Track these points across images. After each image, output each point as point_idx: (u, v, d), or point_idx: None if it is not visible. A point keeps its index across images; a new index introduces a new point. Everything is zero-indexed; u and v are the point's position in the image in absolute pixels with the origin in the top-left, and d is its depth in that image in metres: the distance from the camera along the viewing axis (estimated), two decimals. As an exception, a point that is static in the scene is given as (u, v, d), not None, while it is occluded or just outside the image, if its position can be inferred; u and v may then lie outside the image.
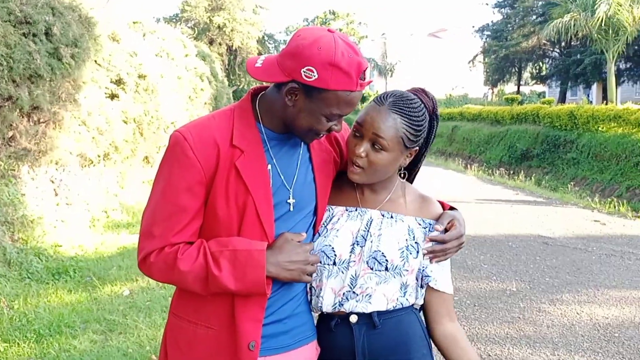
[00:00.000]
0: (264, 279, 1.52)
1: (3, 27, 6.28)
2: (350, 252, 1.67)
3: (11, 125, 6.64)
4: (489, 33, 42.58)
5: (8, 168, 6.78)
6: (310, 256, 1.59)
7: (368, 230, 1.68)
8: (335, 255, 1.67)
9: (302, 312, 1.71)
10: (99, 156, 9.33)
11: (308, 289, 1.74)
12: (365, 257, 1.66)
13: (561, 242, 7.71)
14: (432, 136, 1.76)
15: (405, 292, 1.68)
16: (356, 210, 1.73)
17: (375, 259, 1.65)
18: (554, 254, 7.04)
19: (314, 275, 1.67)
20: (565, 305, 5.18)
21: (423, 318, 1.76)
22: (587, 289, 5.63)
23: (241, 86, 36.58)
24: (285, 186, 1.62)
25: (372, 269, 1.65)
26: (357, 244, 1.68)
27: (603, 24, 19.37)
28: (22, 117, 6.88)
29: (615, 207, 10.93)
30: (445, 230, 1.70)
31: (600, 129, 17.52)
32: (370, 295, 1.65)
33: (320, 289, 1.69)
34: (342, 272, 1.67)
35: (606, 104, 19.98)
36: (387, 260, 1.64)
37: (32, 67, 6.67)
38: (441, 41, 66.66)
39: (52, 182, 7.97)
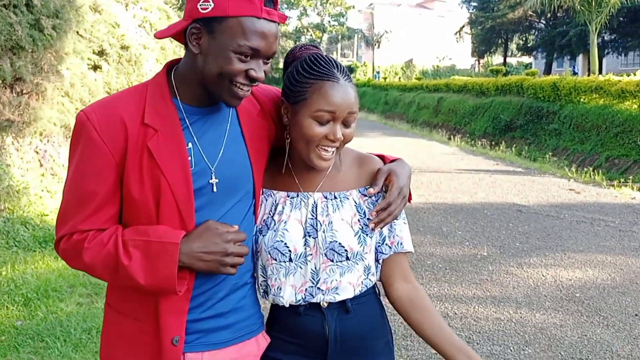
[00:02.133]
0: (175, 275, 1.39)
1: (-17, -1, 6.31)
2: (305, 245, 1.55)
3: (-6, 96, 6.70)
4: (475, 4, 42.53)
5: (-8, 139, 6.86)
6: (231, 246, 1.42)
7: (315, 218, 1.56)
8: (289, 251, 1.55)
9: (247, 305, 1.58)
10: (82, 127, 9.41)
11: (259, 284, 1.63)
12: (322, 249, 1.54)
13: (535, 209, 7.96)
14: None
15: (369, 272, 1.60)
16: (298, 195, 1.59)
17: (334, 250, 1.54)
18: (526, 221, 7.29)
19: (270, 271, 1.57)
20: (532, 268, 5.42)
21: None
22: (555, 253, 5.88)
23: (227, 57, 36.37)
24: (208, 166, 1.46)
25: (332, 260, 1.55)
26: (309, 235, 1.55)
27: (586, -4, 19.48)
28: (5, 88, 6.94)
29: (591, 176, 11.19)
30: (386, 189, 1.58)
31: (582, 100, 17.72)
32: (336, 288, 1.56)
33: (280, 288, 1.57)
34: (301, 267, 1.55)
35: (589, 75, 20.17)
36: (346, 250, 1.54)
37: (13, 39, 6.69)
38: (429, 12, 66.33)
39: (37, 152, 8.06)
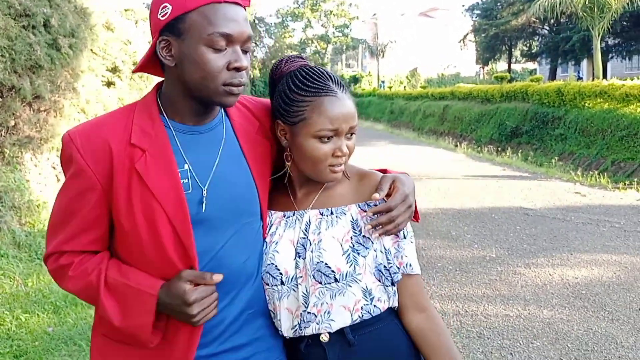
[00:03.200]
0: (148, 325, 1.32)
1: (4, 20, 6.57)
2: (295, 266, 1.45)
3: (14, 114, 6.94)
4: (478, 12, 42.74)
5: (13, 155, 7.10)
6: (195, 308, 1.30)
7: (306, 237, 1.45)
8: (280, 273, 1.45)
9: (265, 336, 1.49)
10: (98, 142, 9.66)
11: (271, 310, 1.51)
12: (309, 271, 1.43)
13: (541, 212, 8.13)
14: None
15: (372, 297, 1.45)
16: (294, 214, 1.50)
17: (320, 272, 1.42)
18: (533, 223, 7.46)
19: (268, 297, 1.48)
20: (540, 268, 5.60)
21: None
22: (562, 253, 6.05)
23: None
24: (201, 188, 1.37)
25: (320, 282, 1.42)
26: (299, 256, 1.45)
27: (587, 2, 19.66)
28: (25, 106, 7.18)
29: (596, 179, 11.34)
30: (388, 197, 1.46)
31: (586, 104, 17.88)
32: (329, 312, 1.43)
33: (277, 312, 1.48)
34: (294, 291, 1.45)
35: (593, 80, 20.33)
36: (333, 271, 1.41)
37: (32, 58, 6.95)
38: (432, 20, 66.68)
39: (54, 168, 8.29)
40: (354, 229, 1.45)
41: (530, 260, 5.85)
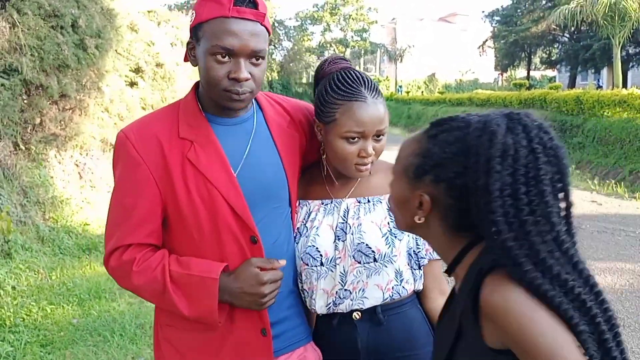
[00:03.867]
0: (215, 308, 1.44)
1: (34, 21, 6.77)
2: (335, 248, 1.59)
3: (40, 111, 7.12)
4: (498, 18, 42.65)
5: (38, 152, 7.28)
6: (268, 288, 1.46)
7: (346, 222, 1.60)
8: (320, 255, 1.59)
9: (293, 315, 1.62)
10: (120, 141, 9.84)
11: (300, 290, 1.66)
12: (350, 252, 1.58)
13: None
14: None
15: (402, 279, 1.60)
16: (331, 202, 1.65)
17: (361, 252, 1.57)
18: (548, 231, 7.48)
19: (305, 276, 1.62)
20: (553, 274, 5.64)
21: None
22: (575, 261, 6.10)
23: (252, 72, 36.71)
24: (259, 161, 1.55)
25: (359, 262, 1.57)
26: (339, 239, 1.60)
27: (608, 11, 19.59)
28: (51, 104, 7.37)
29: (613, 188, 11.33)
30: None
31: (605, 113, 17.80)
32: (363, 290, 1.58)
33: (312, 291, 1.62)
34: (331, 271, 1.59)
35: (612, 88, 20.24)
36: (373, 252, 1.56)
37: (60, 58, 7.14)
38: (451, 26, 66.52)
39: (77, 165, 8.45)
40: (390, 216, 1.60)
41: (544, 267, 5.90)
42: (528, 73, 42.53)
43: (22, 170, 6.71)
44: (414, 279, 1.63)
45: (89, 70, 8.06)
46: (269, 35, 1.49)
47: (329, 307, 1.61)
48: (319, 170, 1.69)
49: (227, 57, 1.42)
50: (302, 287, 1.65)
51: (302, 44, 49.35)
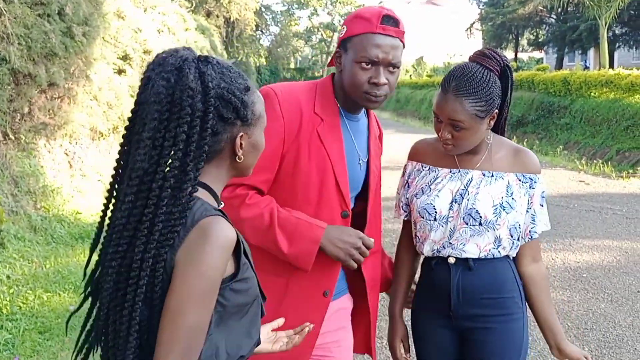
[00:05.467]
0: (314, 253, 1.68)
1: (21, 9, 6.71)
2: (449, 209, 1.85)
3: (29, 100, 7.09)
4: (485, 0, 42.55)
5: (28, 141, 7.25)
6: (361, 242, 1.73)
7: (467, 189, 1.85)
8: (435, 212, 1.85)
9: (342, 275, 1.92)
10: (109, 129, 9.81)
11: (413, 235, 1.97)
12: (461, 214, 1.83)
13: (545, 200, 8.25)
14: (510, 89, 1.88)
15: (499, 245, 1.85)
16: (459, 171, 1.89)
17: (470, 215, 1.82)
18: (537, 210, 7.59)
19: (419, 226, 1.90)
20: (542, 252, 5.72)
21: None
22: (564, 239, 6.21)
23: (239, 58, 36.54)
24: (359, 155, 1.85)
25: (467, 223, 1.83)
26: (455, 202, 1.85)
27: (594, -9, 19.62)
28: (40, 93, 7.33)
29: (600, 168, 11.46)
30: None
31: (592, 94, 17.92)
32: (464, 244, 1.85)
33: (424, 239, 1.91)
34: (442, 226, 1.86)
35: (599, 69, 20.35)
36: (480, 217, 1.81)
37: (48, 46, 7.08)
38: (439, 8, 66.31)
39: (67, 154, 8.41)
40: (507, 192, 1.84)
41: (533, 246, 5.99)
42: (516, 55, 42.56)
43: (12, 160, 6.69)
44: (511, 247, 1.87)
45: (77, 58, 8.00)
46: (404, 48, 1.78)
47: (433, 252, 1.89)
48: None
49: (369, 65, 1.70)
50: (415, 234, 1.96)
51: (289, 29, 49.06)
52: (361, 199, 1.92)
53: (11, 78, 6.59)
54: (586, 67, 30.68)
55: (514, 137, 18.75)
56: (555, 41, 34.88)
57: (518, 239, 1.87)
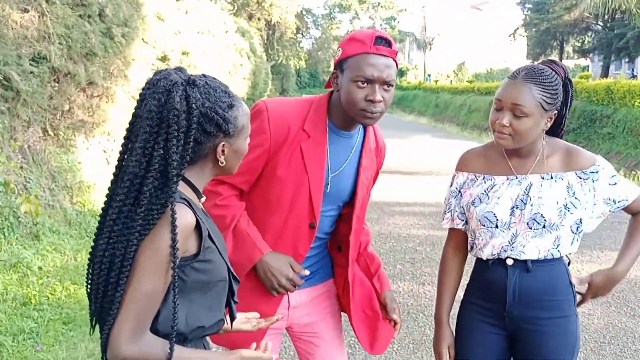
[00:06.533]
0: (246, 270, 1.90)
1: (62, 10, 6.95)
2: (510, 215, 1.88)
3: (69, 98, 7.32)
4: (530, 6, 41.91)
5: (67, 138, 7.49)
6: (285, 282, 1.91)
7: (527, 194, 1.87)
8: (497, 219, 1.88)
9: (326, 259, 2.12)
10: (145, 128, 10.03)
11: (471, 242, 2.00)
12: (525, 219, 1.86)
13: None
14: (570, 99, 1.92)
15: (558, 244, 1.87)
16: (516, 178, 1.92)
17: (535, 220, 1.85)
18: (568, 221, 7.46)
19: (479, 234, 1.93)
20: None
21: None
22: (592, 250, 6.09)
23: (279, 61, 36.84)
24: (329, 173, 1.94)
25: (531, 228, 1.86)
26: (517, 208, 1.88)
27: (641, -2, 19.14)
28: (79, 91, 7.56)
29: (639, 179, 11.17)
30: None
31: (636, 103, 17.47)
32: (524, 246, 1.87)
33: (485, 245, 1.93)
34: (504, 232, 1.89)
35: (645, 78, 19.81)
36: (545, 220, 1.84)
37: (87, 46, 7.31)
38: (482, 14, 65.47)
39: (104, 151, 8.65)
40: (568, 192, 1.87)
41: (560, 256, 5.91)
42: (560, 62, 41.74)
43: (50, 156, 6.92)
44: (571, 243, 1.90)
45: (116, 58, 8.22)
46: (397, 68, 1.88)
47: (493, 256, 1.92)
48: (496, 151, 1.98)
49: (365, 84, 1.80)
50: (473, 242, 1.98)
51: (330, 33, 49.21)
52: (349, 205, 2.06)
53: (52, 76, 6.83)
54: (633, 76, 29.90)
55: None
56: (601, 49, 34.10)
57: (578, 232, 1.90)
